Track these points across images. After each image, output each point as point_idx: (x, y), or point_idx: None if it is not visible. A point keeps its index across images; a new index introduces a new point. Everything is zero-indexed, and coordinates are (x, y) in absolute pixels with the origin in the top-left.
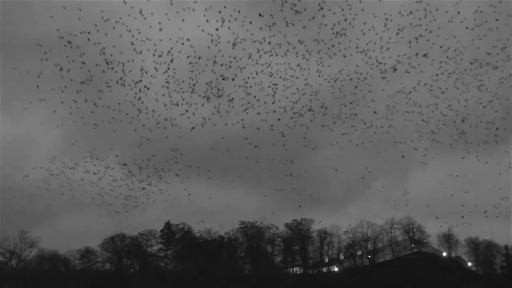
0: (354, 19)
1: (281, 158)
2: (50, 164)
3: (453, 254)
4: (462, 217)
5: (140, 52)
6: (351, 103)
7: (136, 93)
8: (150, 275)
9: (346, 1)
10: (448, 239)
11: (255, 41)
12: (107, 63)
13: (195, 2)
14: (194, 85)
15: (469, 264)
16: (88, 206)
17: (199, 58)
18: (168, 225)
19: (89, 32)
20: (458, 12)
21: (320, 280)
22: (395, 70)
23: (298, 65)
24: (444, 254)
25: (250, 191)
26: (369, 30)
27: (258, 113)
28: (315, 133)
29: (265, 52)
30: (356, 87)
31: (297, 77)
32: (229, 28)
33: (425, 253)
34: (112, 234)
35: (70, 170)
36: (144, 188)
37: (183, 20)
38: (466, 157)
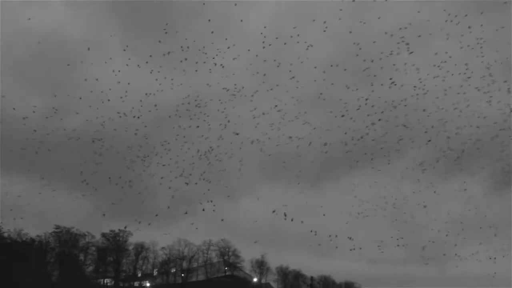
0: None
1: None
2: None
3: (263, 280)
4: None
5: None
6: (191, 118)
7: None
8: None
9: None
10: (261, 266)
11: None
12: None
13: None
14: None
15: None
16: None
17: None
18: None
19: None
20: None
21: None
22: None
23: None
24: (255, 279)
25: (76, 195)
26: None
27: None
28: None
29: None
30: (198, 106)
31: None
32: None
33: (236, 277)
34: None
35: None
36: None
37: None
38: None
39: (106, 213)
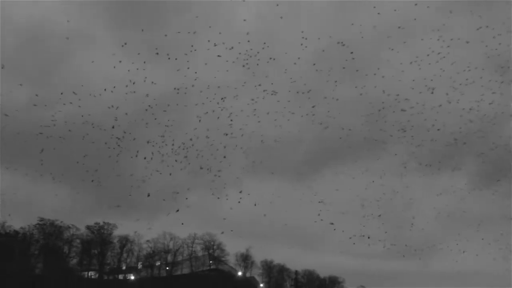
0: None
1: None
2: None
3: (248, 274)
4: None
5: None
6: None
7: None
8: None
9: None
10: (245, 259)
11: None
12: None
13: None
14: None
15: (261, 285)
16: None
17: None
18: None
19: None
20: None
21: (113, 287)
22: None
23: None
24: (240, 273)
25: (60, 187)
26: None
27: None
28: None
29: None
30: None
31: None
32: None
33: (221, 271)
34: None
35: None
36: None
37: None
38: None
39: (90, 207)
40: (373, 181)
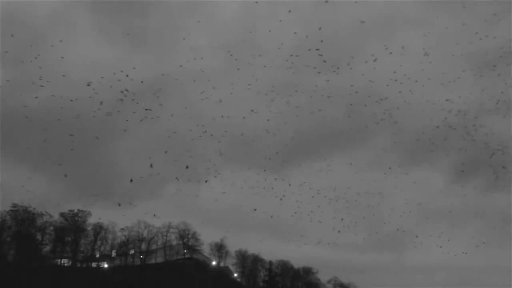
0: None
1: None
2: None
3: (222, 264)
4: None
5: None
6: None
7: None
8: None
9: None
10: (220, 249)
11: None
12: None
13: None
14: None
15: (235, 274)
16: None
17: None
18: None
19: None
20: None
21: (86, 274)
22: None
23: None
24: (214, 262)
25: (34, 173)
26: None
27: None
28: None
29: None
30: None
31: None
32: None
33: (196, 260)
34: None
35: None
36: None
37: None
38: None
39: (64, 193)
40: (349, 174)
